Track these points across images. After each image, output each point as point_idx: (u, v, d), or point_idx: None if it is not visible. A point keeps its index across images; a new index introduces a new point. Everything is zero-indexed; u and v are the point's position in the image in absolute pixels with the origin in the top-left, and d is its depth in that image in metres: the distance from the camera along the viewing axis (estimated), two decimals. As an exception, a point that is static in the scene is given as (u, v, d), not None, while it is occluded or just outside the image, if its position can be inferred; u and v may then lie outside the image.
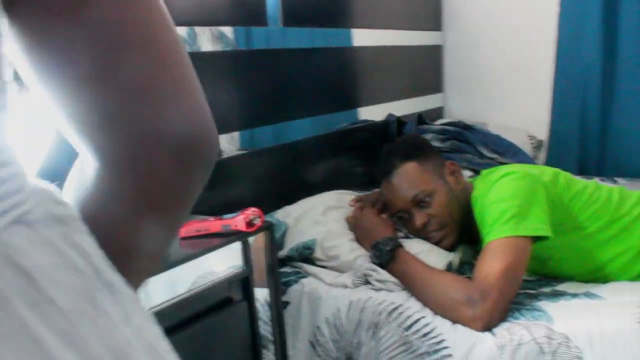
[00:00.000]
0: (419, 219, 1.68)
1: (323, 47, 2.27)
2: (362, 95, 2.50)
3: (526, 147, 2.59)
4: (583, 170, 2.61)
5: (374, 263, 1.62)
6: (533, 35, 2.76)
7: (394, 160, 1.72)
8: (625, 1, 2.55)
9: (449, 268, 1.63)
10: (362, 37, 2.44)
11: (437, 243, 1.69)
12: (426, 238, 1.69)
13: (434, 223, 1.68)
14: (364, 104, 2.50)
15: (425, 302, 1.50)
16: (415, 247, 1.64)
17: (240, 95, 1.90)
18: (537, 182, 1.61)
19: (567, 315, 1.39)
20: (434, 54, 2.92)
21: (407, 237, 1.72)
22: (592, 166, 2.60)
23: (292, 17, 2.07)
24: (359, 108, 2.48)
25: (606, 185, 1.78)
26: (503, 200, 1.56)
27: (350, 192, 2.02)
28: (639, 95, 2.56)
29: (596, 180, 1.85)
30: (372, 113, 2.52)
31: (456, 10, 2.92)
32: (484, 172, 1.78)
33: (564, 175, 1.72)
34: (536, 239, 1.52)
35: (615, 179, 2.41)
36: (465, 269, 1.70)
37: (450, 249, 1.70)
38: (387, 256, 1.59)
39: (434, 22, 2.92)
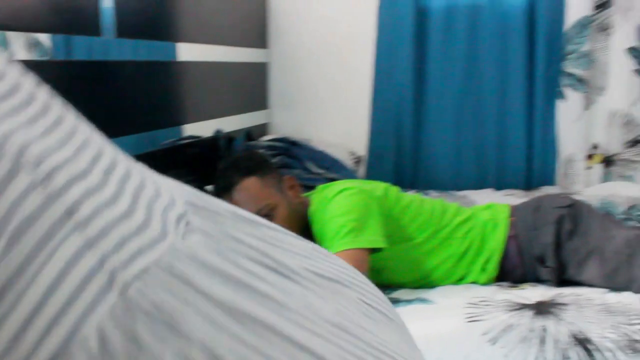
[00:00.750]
0: None
1: (146, 60, 2.20)
2: (187, 111, 2.46)
3: (347, 162, 2.71)
4: (399, 184, 2.78)
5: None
6: (352, 57, 2.92)
7: (234, 176, 1.71)
8: (432, 30, 2.80)
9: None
10: (187, 52, 2.40)
11: None
12: None
13: None
14: (189, 120, 2.46)
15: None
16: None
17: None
18: (371, 197, 1.71)
19: (406, 321, 1.48)
20: (259, 71, 2.96)
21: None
22: (407, 180, 2.79)
23: (124, 28, 1.98)
24: (184, 125, 2.44)
25: (429, 198, 1.93)
26: (341, 215, 1.63)
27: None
28: (445, 115, 2.82)
29: (412, 192, 2.00)
30: (198, 129, 2.48)
31: (281, 29, 2.99)
32: (320, 187, 1.84)
33: (393, 190, 1.84)
34: (373, 250, 1.61)
35: (427, 191, 2.61)
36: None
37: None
38: None
39: (260, 39, 2.96)
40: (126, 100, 2.08)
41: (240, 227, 0.34)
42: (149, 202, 0.30)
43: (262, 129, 2.97)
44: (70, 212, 0.26)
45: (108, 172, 0.30)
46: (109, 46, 1.97)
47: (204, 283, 0.28)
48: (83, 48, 1.85)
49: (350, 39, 2.92)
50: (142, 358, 0.25)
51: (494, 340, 1.42)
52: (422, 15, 2.81)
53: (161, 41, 2.27)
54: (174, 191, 0.34)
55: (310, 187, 2.13)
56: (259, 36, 2.95)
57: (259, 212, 1.68)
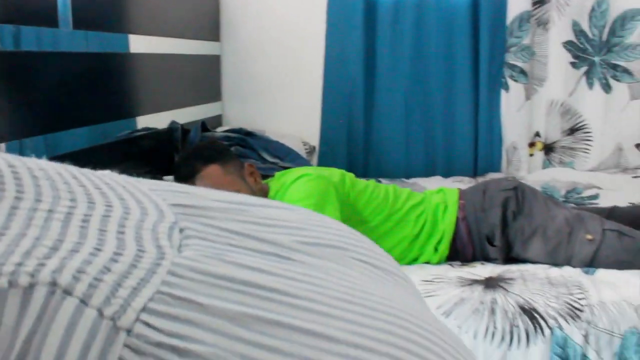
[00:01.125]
0: None
1: (98, 52, 2.20)
2: (140, 103, 2.47)
3: (301, 152, 2.77)
4: (351, 172, 2.87)
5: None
6: (304, 49, 2.98)
7: (195, 165, 1.75)
8: (381, 24, 2.88)
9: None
10: (139, 44, 2.41)
11: None
12: None
13: None
14: (143, 112, 2.47)
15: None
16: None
17: (4, 102, 1.75)
18: (328, 182, 1.77)
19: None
20: (212, 63, 2.98)
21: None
22: (359, 169, 2.86)
23: (80, 19, 1.98)
24: (138, 117, 2.45)
25: (383, 184, 2.00)
26: (300, 200, 1.69)
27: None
28: (395, 105, 2.91)
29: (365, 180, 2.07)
30: (152, 121, 2.49)
31: (233, 22, 3.02)
32: (278, 174, 1.89)
33: (349, 176, 1.91)
34: (331, 233, 1.67)
35: (379, 179, 2.69)
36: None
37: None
38: None
39: (212, 32, 2.98)
40: (78, 92, 2.08)
41: (231, 216, 0.34)
42: (136, 230, 0.30)
43: (216, 120, 3.00)
44: (54, 284, 0.25)
45: (85, 222, 0.29)
46: (62, 38, 1.96)
47: (208, 297, 0.27)
48: (32, 39, 1.84)
49: (302, 32, 2.98)
50: None
51: (447, 313, 1.51)
52: (371, 9, 2.89)
53: (113, 33, 2.28)
54: (159, 199, 0.33)
55: (265, 176, 2.18)
56: (211, 29, 2.98)
57: None
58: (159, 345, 0.25)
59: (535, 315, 1.48)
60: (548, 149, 2.95)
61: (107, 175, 0.35)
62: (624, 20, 2.79)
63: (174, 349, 0.25)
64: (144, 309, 0.26)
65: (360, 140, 2.92)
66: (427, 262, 1.86)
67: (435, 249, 1.87)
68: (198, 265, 0.29)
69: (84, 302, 0.25)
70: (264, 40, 3.00)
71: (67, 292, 0.25)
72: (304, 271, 0.32)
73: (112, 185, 0.33)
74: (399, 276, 0.39)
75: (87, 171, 0.35)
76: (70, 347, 0.24)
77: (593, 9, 2.80)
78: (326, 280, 0.32)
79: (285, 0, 2.99)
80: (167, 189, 0.35)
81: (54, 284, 0.25)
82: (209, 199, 0.35)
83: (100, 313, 0.25)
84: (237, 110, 3.05)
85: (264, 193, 1.81)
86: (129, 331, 0.25)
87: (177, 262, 0.28)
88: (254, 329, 0.27)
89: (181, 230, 0.31)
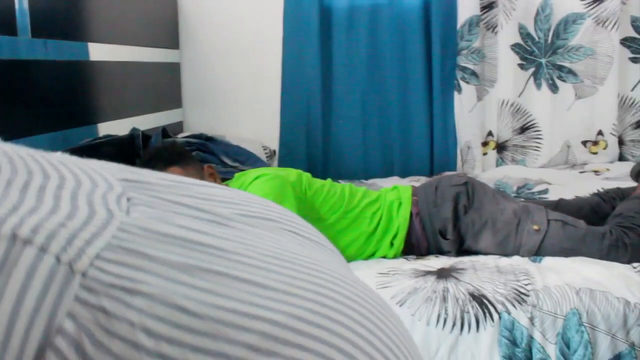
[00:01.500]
0: None
1: (58, 60, 2.23)
2: (101, 110, 2.50)
3: (261, 156, 2.83)
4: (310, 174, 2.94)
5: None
6: (262, 55, 3.05)
7: (157, 166, 1.79)
8: (337, 28, 2.97)
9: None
10: (99, 52, 2.44)
11: None
12: None
13: None
14: (105, 119, 2.50)
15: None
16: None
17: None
18: (285, 181, 1.84)
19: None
20: (172, 70, 3.02)
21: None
22: (318, 171, 2.92)
23: (38, 28, 2.01)
24: (99, 124, 2.48)
25: (339, 183, 2.07)
26: (258, 199, 1.74)
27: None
28: (352, 108, 2.99)
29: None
30: (113, 129, 2.52)
31: (191, 29, 3.07)
32: (237, 175, 1.95)
33: (306, 175, 1.98)
34: (289, 230, 1.73)
35: (339, 181, 2.76)
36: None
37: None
38: None
39: (171, 40, 3.02)
40: (38, 100, 2.10)
41: (173, 191, 0.38)
42: (88, 196, 0.33)
43: (177, 126, 3.04)
44: (14, 236, 0.28)
45: (41, 190, 0.32)
46: (20, 46, 1.99)
47: (154, 250, 0.31)
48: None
49: (259, 38, 3.04)
50: (113, 325, 0.28)
51: (401, 302, 1.58)
52: (326, 14, 2.97)
53: (73, 41, 2.31)
54: (107, 174, 0.36)
55: (226, 179, 2.23)
56: (170, 37, 3.02)
57: None
58: (112, 285, 0.29)
59: (485, 301, 1.56)
60: (501, 147, 3.06)
61: (60, 155, 0.39)
62: (566, 23, 2.92)
63: (124, 289, 0.29)
64: (97, 257, 0.29)
65: (319, 143, 2.99)
66: (384, 257, 1.93)
67: (391, 244, 1.94)
68: (144, 224, 0.33)
69: (43, 250, 0.28)
70: (222, 47, 3.05)
71: (27, 242, 0.28)
72: (241, 235, 0.36)
73: (64, 162, 0.37)
74: (327, 247, 0.43)
75: (41, 151, 0.38)
76: (31, 288, 0.28)
77: (538, 13, 2.92)
78: (260, 242, 0.37)
79: (242, 7, 3.05)
80: (115, 167, 0.39)
81: (14, 236, 0.28)
82: (153, 177, 0.39)
83: (58, 259, 0.28)
84: (198, 116, 3.10)
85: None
86: (84, 274, 0.29)
87: (125, 221, 0.32)
88: (196, 275, 0.31)
89: (128, 199, 0.34)
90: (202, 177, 1.85)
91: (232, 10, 3.04)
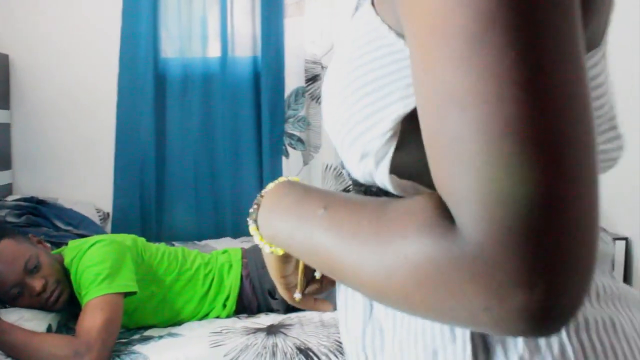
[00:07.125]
0: (37, 283, 1.78)
1: None
2: None
3: (95, 219, 2.83)
4: (144, 237, 2.96)
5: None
6: (95, 117, 3.05)
7: None
8: (171, 94, 3.09)
9: (49, 329, 1.77)
10: None
11: (56, 301, 1.81)
12: (45, 303, 1.80)
13: (51, 282, 1.81)
14: None
15: (35, 366, 1.62)
16: (13, 316, 1.73)
17: None
18: (121, 246, 1.91)
19: (159, 352, 1.70)
20: (1, 131, 2.93)
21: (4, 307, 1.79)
22: (152, 234, 2.99)
23: None
24: None
25: (173, 247, 2.18)
26: (96, 265, 1.80)
27: None
28: (185, 171, 3.10)
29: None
30: None
31: (23, 90, 3.02)
32: (70, 242, 1.99)
33: (140, 240, 2.07)
34: (126, 294, 1.81)
35: (173, 243, 2.84)
36: (64, 331, 1.86)
37: (65, 306, 1.85)
38: None
39: (2, 100, 2.94)
40: None
41: None
42: None
43: (6, 189, 2.94)
44: None
45: None
46: None
47: None
48: None
49: (93, 100, 3.06)
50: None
51: (234, 359, 1.70)
52: (160, 80, 3.08)
53: None
54: None
55: (59, 244, 2.25)
56: (1, 97, 2.94)
57: (29, 263, 1.78)
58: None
59: (310, 354, 1.73)
60: (325, 208, 3.30)
61: None
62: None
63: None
64: None
65: (152, 206, 3.05)
66: (218, 317, 2.05)
67: (224, 305, 2.06)
68: None
69: None
70: (55, 108, 3.03)
71: None
72: None
73: None
74: None
75: None
76: None
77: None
78: None
79: (77, 68, 3.05)
80: None
81: None
82: None
83: None
84: (28, 179, 3.03)
85: (58, 262, 1.90)
86: None
87: None
88: None
89: None
90: (32, 244, 1.87)
91: (66, 70, 3.04)
